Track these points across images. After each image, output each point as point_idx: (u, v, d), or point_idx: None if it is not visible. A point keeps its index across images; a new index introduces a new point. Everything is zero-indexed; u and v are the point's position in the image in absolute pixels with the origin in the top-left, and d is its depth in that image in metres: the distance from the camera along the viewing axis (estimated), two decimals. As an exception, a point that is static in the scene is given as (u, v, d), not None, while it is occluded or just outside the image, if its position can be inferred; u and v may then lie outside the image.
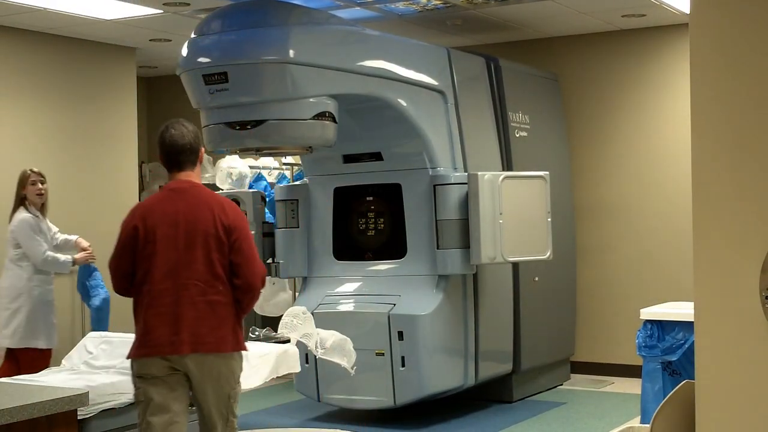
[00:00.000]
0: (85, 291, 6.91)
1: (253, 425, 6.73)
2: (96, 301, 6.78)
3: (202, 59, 6.09)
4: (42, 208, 6.80)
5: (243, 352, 4.30)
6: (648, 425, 3.59)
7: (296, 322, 5.87)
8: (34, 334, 6.62)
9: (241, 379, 4.42)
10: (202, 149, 4.35)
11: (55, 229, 6.97)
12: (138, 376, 4.19)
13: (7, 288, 6.63)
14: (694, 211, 2.96)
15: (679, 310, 5.86)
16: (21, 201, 6.68)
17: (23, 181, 6.69)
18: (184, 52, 6.20)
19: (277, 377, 5.69)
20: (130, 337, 5.87)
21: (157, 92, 10.83)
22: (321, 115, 6.15)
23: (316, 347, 5.82)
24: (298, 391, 7.30)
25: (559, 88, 8.67)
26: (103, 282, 6.79)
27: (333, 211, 7.31)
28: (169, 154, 4.24)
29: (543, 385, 8.10)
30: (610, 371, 8.66)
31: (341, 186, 7.29)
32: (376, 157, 7.10)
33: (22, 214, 6.63)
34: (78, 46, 8.60)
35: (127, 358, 4.24)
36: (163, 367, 4.13)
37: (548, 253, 7.23)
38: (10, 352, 6.65)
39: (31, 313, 6.61)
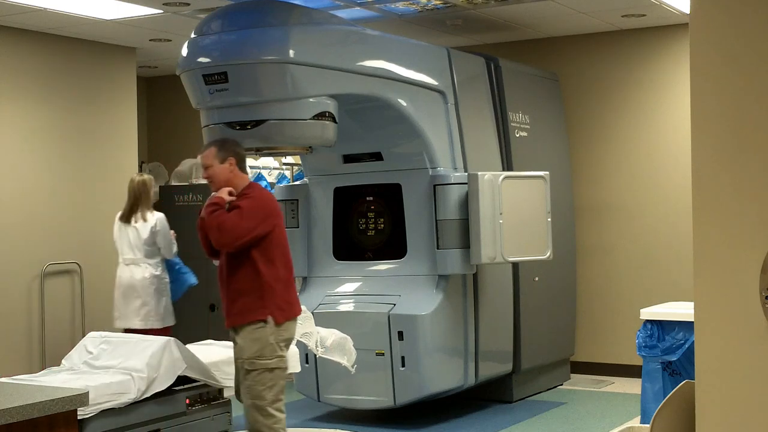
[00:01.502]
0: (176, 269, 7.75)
1: (253, 425, 6.72)
2: (191, 279, 7.74)
3: (202, 59, 6.08)
4: None
5: None
6: (648, 425, 3.59)
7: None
8: (172, 316, 7.60)
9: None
10: None
11: None
12: (285, 339, 5.08)
13: (143, 279, 7.43)
14: (694, 211, 2.96)
15: (679, 310, 5.86)
16: (150, 201, 7.55)
17: (152, 184, 7.57)
18: (184, 52, 6.19)
19: (277, 377, 5.68)
20: (130, 337, 5.89)
21: (157, 92, 10.82)
22: (321, 115, 6.15)
23: (317, 346, 5.82)
24: (298, 390, 7.30)
25: (560, 88, 8.67)
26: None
27: (333, 211, 7.31)
28: (245, 162, 5.38)
29: (543, 385, 8.10)
30: (610, 371, 8.66)
31: (341, 186, 7.29)
32: (376, 157, 7.10)
33: (160, 214, 7.52)
34: (78, 46, 8.60)
35: (278, 322, 5.03)
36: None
37: (548, 253, 7.24)
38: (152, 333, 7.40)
39: (167, 298, 7.55)
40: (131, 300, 7.46)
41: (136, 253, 7.44)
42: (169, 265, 7.62)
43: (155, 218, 7.44)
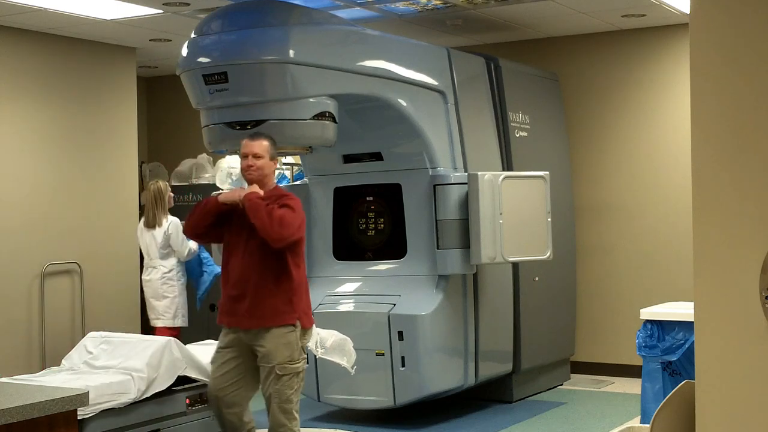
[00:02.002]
0: (199, 265, 8.08)
1: (253, 425, 6.71)
2: (216, 269, 7.79)
3: (202, 59, 6.08)
4: None
5: None
6: (648, 425, 3.59)
7: (296, 322, 5.87)
8: (184, 318, 7.92)
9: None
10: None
11: None
12: (305, 344, 5.15)
13: (159, 279, 7.81)
14: (694, 211, 2.96)
15: (679, 310, 5.86)
16: (166, 206, 7.89)
17: (167, 189, 7.89)
18: (184, 51, 6.19)
19: (277, 377, 5.68)
20: (130, 337, 5.90)
21: (157, 92, 10.82)
22: (321, 115, 6.15)
23: (317, 347, 5.82)
24: (298, 391, 7.30)
25: (560, 88, 8.67)
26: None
27: (333, 211, 7.31)
28: None
29: (543, 385, 8.10)
30: (610, 371, 8.66)
31: (341, 186, 7.29)
32: (376, 157, 7.10)
33: (174, 218, 7.82)
34: (78, 46, 8.60)
35: (304, 327, 5.10)
36: None
37: (548, 253, 7.23)
38: (158, 330, 7.78)
39: (183, 298, 7.88)
40: (147, 300, 7.92)
41: (152, 256, 7.86)
42: (198, 261, 7.98)
43: (169, 222, 7.80)
